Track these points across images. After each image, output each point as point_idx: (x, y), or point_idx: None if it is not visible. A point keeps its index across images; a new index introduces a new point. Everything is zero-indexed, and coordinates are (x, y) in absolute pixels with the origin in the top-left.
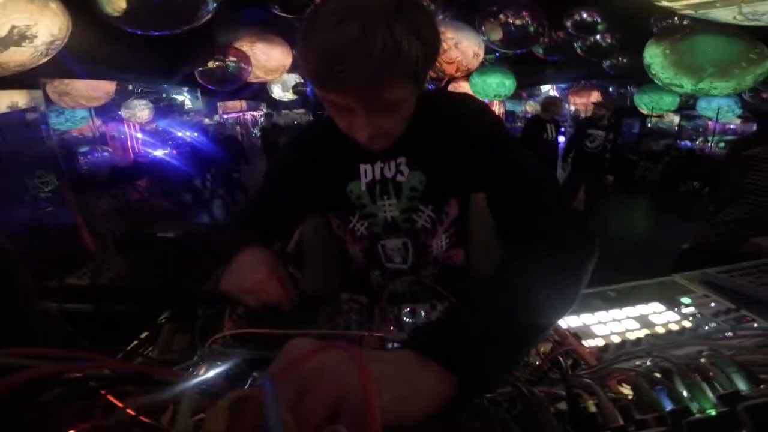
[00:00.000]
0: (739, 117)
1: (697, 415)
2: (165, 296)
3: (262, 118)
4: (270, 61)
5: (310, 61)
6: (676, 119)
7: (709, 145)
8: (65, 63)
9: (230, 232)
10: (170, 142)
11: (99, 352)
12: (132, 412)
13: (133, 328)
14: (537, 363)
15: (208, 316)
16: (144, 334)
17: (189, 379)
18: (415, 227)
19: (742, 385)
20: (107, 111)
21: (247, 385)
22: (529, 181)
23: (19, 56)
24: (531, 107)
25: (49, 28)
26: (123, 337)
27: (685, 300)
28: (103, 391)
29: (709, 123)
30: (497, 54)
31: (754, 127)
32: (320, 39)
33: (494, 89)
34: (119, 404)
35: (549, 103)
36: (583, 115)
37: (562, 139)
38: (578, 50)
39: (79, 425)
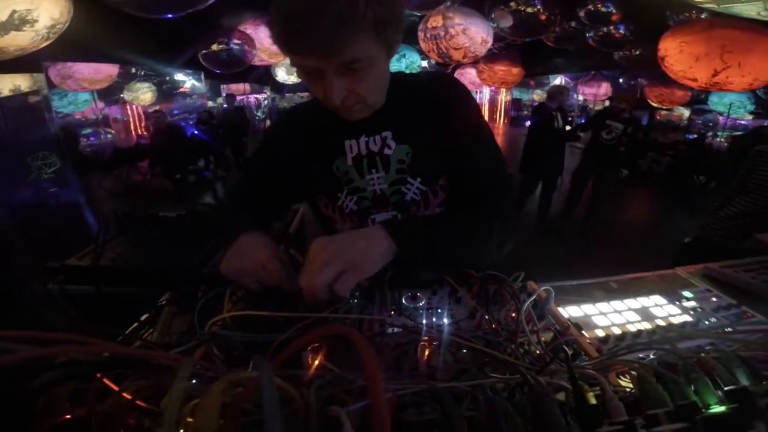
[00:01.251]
0: (751, 113)
1: (711, 411)
2: (165, 278)
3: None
4: (274, 44)
5: (276, 27)
6: (686, 113)
7: (718, 140)
8: (67, 46)
9: (226, 215)
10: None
11: (98, 334)
12: (128, 396)
13: (135, 308)
14: (538, 352)
15: (207, 299)
16: (144, 317)
17: (184, 363)
18: (404, 200)
19: (745, 381)
20: (110, 94)
21: (250, 369)
22: (492, 168)
23: (20, 41)
24: (538, 96)
25: (50, 12)
26: (125, 318)
27: (687, 294)
28: (99, 375)
29: (720, 118)
30: (507, 41)
31: (766, 123)
32: (284, 5)
33: (501, 77)
34: (115, 387)
35: (554, 92)
36: (591, 105)
37: (569, 127)
38: (590, 40)
39: (75, 409)
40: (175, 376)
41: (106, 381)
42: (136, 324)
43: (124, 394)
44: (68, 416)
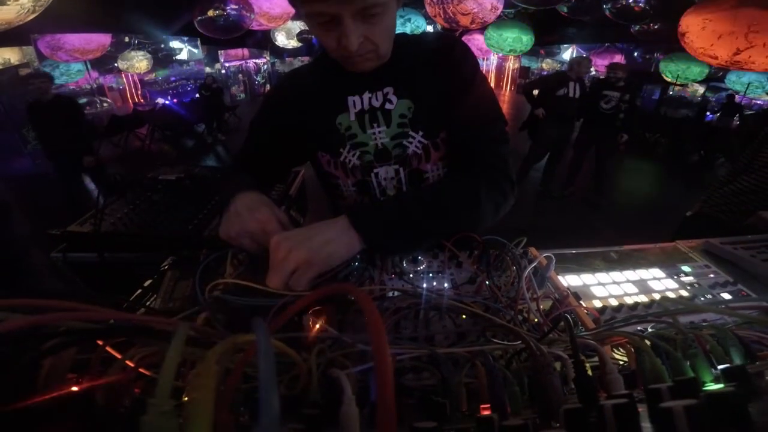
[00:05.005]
0: None
1: (712, 389)
2: (167, 242)
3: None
4: (273, 8)
5: None
6: (701, 90)
7: (734, 119)
8: (55, 18)
9: (225, 177)
10: (170, 91)
11: (101, 302)
12: (131, 364)
13: (139, 273)
14: (536, 320)
15: (209, 262)
16: (147, 283)
17: (180, 330)
18: (406, 153)
19: (738, 359)
20: (104, 63)
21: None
22: (484, 122)
23: (5, 14)
24: (548, 65)
25: None
26: (129, 284)
27: (686, 268)
28: (101, 342)
29: (736, 97)
30: (518, 8)
31: None
32: None
33: (510, 44)
34: (118, 355)
35: (575, 62)
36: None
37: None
38: (607, 12)
39: (79, 377)
40: (171, 343)
41: (108, 349)
42: (139, 290)
43: (128, 362)
44: (72, 384)
